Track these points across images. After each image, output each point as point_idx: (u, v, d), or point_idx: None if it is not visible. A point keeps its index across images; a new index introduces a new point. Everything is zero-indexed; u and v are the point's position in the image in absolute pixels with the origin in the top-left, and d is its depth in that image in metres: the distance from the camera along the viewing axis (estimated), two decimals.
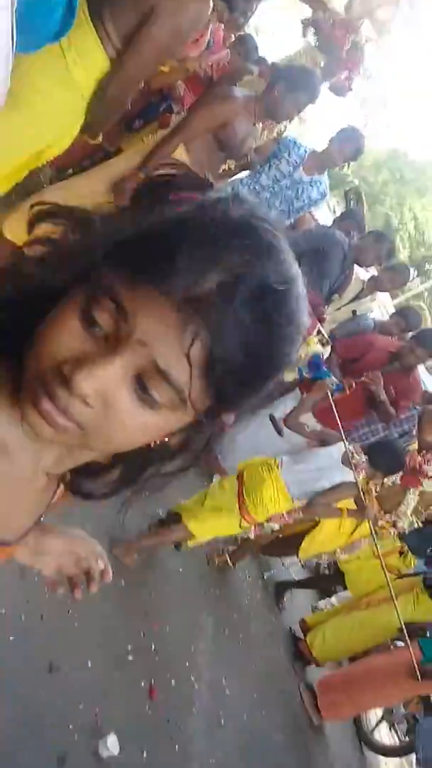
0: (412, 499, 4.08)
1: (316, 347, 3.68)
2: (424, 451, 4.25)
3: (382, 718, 5.47)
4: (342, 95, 4.79)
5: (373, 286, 5.16)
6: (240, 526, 3.56)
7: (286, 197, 4.42)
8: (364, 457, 3.72)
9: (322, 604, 5.69)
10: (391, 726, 5.64)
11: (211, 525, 3.47)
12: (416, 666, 4.11)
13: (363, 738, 5.33)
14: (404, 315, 5.26)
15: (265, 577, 4.94)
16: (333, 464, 3.68)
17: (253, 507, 3.51)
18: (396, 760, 5.38)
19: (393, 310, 8.71)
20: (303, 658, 4.72)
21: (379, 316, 5.80)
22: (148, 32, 2.17)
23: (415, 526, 4.38)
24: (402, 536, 4.66)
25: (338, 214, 6.71)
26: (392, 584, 4.83)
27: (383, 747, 5.30)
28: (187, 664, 2.96)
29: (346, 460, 3.63)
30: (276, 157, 4.29)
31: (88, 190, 3.00)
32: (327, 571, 5.76)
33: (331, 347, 4.98)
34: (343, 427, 4.63)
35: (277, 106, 3.40)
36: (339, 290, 4.70)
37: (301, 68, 3.76)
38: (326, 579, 5.67)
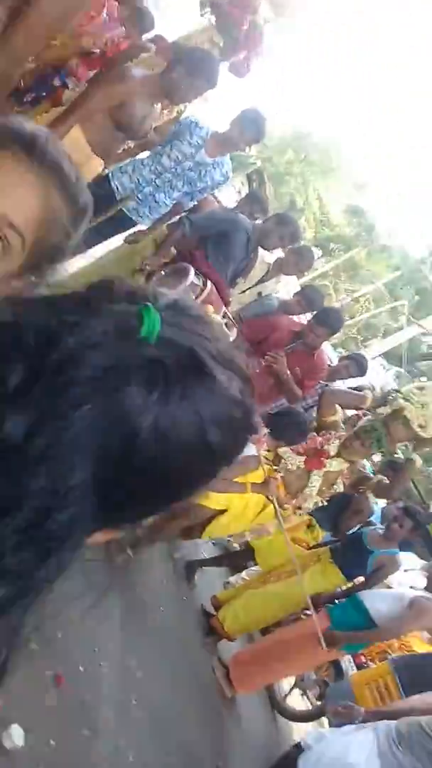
0: (316, 480, 4.16)
1: None
2: (323, 432, 4.31)
3: (294, 685, 5.66)
4: (241, 76, 4.79)
5: (279, 268, 5.23)
6: None
7: (188, 179, 4.41)
8: (264, 429, 3.77)
9: (233, 579, 5.80)
10: (303, 692, 5.85)
11: None
12: (321, 634, 4.27)
13: (276, 706, 5.51)
14: (305, 294, 5.35)
15: (175, 557, 4.98)
16: None
17: None
18: (309, 725, 5.59)
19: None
20: (215, 633, 4.81)
21: (284, 297, 5.90)
22: (36, 3, 2.10)
23: (320, 505, 4.45)
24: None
25: (242, 195, 6.74)
26: (301, 556, 5.00)
27: (296, 713, 5.49)
28: (95, 649, 2.96)
29: None
30: (177, 138, 4.25)
31: None
32: (237, 548, 5.88)
33: (238, 330, 5.03)
34: (261, 405, 4.70)
35: (174, 89, 3.39)
36: (243, 273, 4.74)
37: (202, 53, 3.73)
38: (237, 555, 5.79)
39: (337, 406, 4.55)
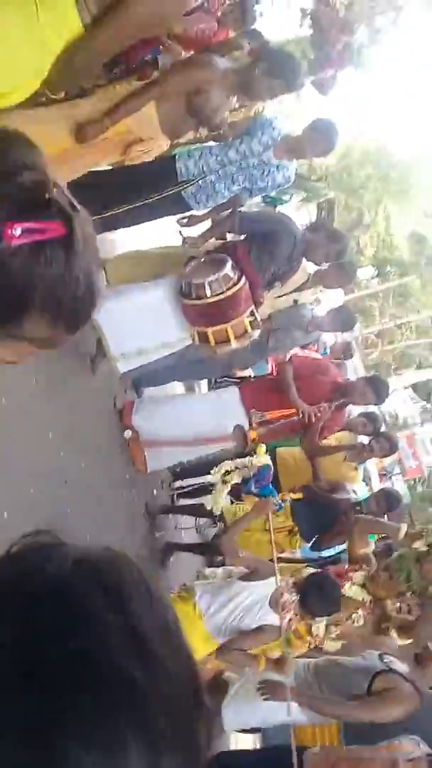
0: None
1: (263, 458, 3.52)
2: (353, 564, 3.99)
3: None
4: (324, 93, 4.85)
5: (318, 280, 5.28)
6: None
7: (251, 176, 4.48)
8: (294, 596, 3.39)
9: (207, 571, 5.91)
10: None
11: None
12: None
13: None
14: (340, 312, 5.40)
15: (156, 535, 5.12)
16: (258, 602, 3.33)
17: None
18: None
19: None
20: None
21: (323, 309, 5.92)
22: (126, 9, 2.17)
23: (332, 636, 3.85)
24: (294, 515, 4.87)
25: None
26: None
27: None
28: None
29: (274, 603, 3.26)
30: (249, 134, 4.33)
31: (51, 126, 3.01)
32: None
33: (267, 335, 5.06)
34: (270, 439, 4.72)
35: (252, 85, 3.46)
36: (282, 278, 4.71)
37: (288, 57, 3.79)
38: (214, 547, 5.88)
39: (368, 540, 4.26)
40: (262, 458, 3.49)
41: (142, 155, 3.92)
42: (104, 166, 4.69)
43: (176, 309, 4.32)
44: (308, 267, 5.16)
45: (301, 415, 4.50)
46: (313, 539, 5.07)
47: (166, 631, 0.57)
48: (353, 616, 3.67)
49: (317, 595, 3.38)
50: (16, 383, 3.54)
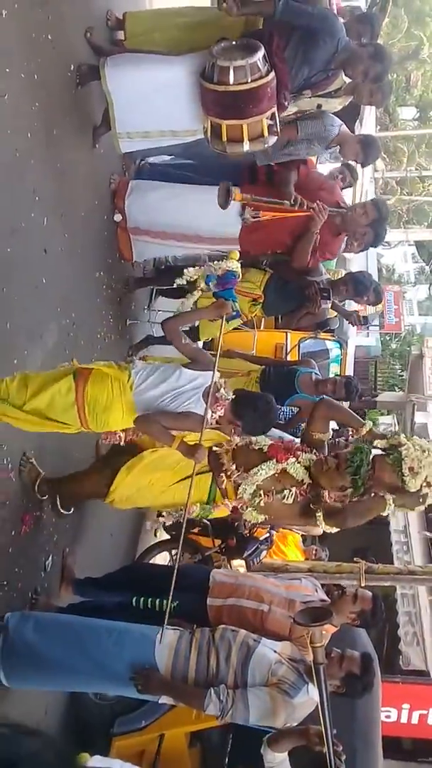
0: (267, 469, 3.45)
1: (233, 264, 3.20)
2: (304, 445, 3.63)
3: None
4: None
5: (350, 90, 4.88)
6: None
7: None
8: (230, 395, 3.20)
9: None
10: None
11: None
12: None
13: None
14: (366, 140, 5.06)
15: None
16: (192, 391, 3.13)
17: (93, 424, 3.15)
18: None
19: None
20: None
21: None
22: None
23: (255, 502, 3.50)
24: (266, 284, 4.90)
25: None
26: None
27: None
28: None
29: (206, 394, 3.08)
30: None
31: None
32: None
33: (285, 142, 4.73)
34: (258, 251, 4.53)
35: None
36: (313, 87, 4.31)
37: None
38: None
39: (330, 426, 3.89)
40: (232, 264, 3.20)
41: None
42: None
43: (194, 93, 4.01)
44: (344, 77, 4.76)
45: (293, 203, 4.33)
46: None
47: None
48: (285, 492, 3.41)
49: (251, 405, 3.29)
50: (8, 135, 3.33)
